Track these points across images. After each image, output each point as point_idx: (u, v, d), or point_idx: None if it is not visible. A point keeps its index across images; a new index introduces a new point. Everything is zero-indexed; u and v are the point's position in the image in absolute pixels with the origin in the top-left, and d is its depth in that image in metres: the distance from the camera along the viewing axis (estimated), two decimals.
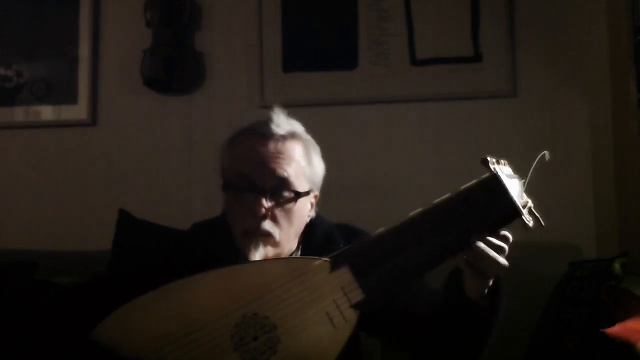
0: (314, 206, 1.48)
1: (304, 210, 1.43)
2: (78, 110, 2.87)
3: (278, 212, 1.37)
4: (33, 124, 2.90)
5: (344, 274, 1.22)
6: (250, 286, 1.22)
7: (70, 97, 2.87)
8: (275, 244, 1.38)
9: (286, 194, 1.38)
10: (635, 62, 2.34)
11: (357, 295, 1.21)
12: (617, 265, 1.85)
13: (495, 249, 1.21)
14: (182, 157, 2.82)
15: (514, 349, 2.04)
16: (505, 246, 1.22)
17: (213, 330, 1.21)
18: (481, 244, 1.20)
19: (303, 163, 1.41)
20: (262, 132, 1.40)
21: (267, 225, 1.36)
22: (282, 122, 1.43)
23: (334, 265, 1.22)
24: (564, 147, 2.57)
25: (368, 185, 2.67)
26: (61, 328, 1.27)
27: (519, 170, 1.30)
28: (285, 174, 1.38)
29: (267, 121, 1.42)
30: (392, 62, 2.72)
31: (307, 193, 1.41)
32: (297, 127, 1.45)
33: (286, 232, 1.39)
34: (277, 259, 1.39)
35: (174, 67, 2.81)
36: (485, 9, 2.68)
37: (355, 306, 1.21)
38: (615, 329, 1.60)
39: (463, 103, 2.68)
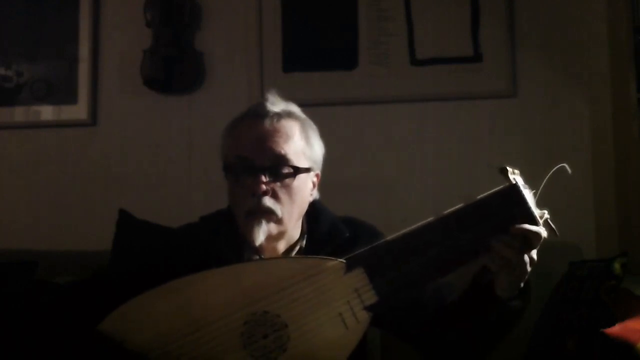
0: (316, 186, 1.46)
1: (306, 188, 1.42)
2: (78, 110, 2.87)
3: (278, 189, 1.36)
4: (33, 124, 2.90)
5: (358, 276, 1.20)
6: (261, 284, 1.21)
7: (70, 97, 2.87)
8: (278, 220, 1.36)
9: (285, 170, 1.37)
10: (635, 62, 2.35)
11: (371, 297, 1.20)
12: (617, 265, 1.84)
13: (520, 246, 1.19)
14: (182, 157, 2.81)
15: (514, 349, 2.04)
16: (529, 243, 1.20)
17: (222, 327, 1.20)
18: (502, 248, 1.18)
19: (301, 142, 1.40)
20: (257, 113, 1.40)
21: (268, 201, 1.35)
22: (277, 101, 1.43)
23: (349, 267, 1.21)
24: (564, 147, 2.57)
25: (368, 185, 2.66)
26: (62, 327, 1.27)
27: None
28: (283, 151, 1.37)
29: (263, 101, 1.43)
30: (392, 62, 2.72)
31: (307, 169, 1.40)
32: (293, 107, 1.45)
33: (288, 209, 1.37)
34: (289, 257, 1.38)
35: (174, 67, 2.81)
36: (485, 9, 2.68)
37: (368, 308, 1.21)
38: (615, 329, 1.60)
39: (463, 103, 2.68)
